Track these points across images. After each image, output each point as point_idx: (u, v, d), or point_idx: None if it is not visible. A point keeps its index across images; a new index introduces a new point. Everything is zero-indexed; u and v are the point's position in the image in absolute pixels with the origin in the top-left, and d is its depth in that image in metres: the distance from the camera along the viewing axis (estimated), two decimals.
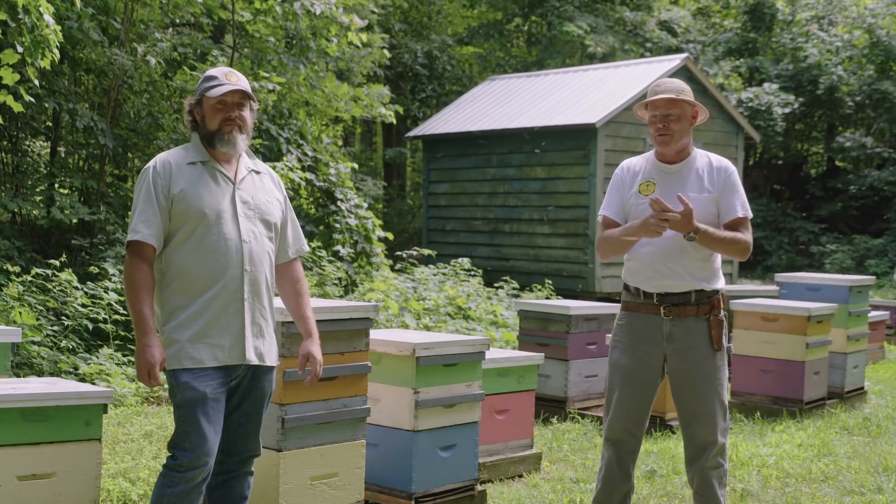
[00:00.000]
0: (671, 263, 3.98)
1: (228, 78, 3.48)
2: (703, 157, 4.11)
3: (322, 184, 11.93)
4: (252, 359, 3.47)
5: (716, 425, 3.98)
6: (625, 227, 4.01)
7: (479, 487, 4.99)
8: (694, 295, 3.99)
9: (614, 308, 5.85)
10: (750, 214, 4.07)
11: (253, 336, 3.47)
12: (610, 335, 4.33)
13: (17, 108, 7.43)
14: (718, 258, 4.09)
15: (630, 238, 3.98)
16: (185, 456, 3.35)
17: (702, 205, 3.97)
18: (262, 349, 3.52)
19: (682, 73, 14.95)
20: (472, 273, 12.59)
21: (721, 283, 4.10)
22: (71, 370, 7.34)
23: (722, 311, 4.06)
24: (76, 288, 8.09)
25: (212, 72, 3.52)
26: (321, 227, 12.00)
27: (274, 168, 10.07)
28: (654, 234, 3.87)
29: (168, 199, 3.39)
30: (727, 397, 4.07)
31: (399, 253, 12.99)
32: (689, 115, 4.03)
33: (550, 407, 7.19)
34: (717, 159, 4.12)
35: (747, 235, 4.02)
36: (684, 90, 4.02)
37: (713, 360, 4.00)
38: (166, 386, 3.45)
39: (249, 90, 3.51)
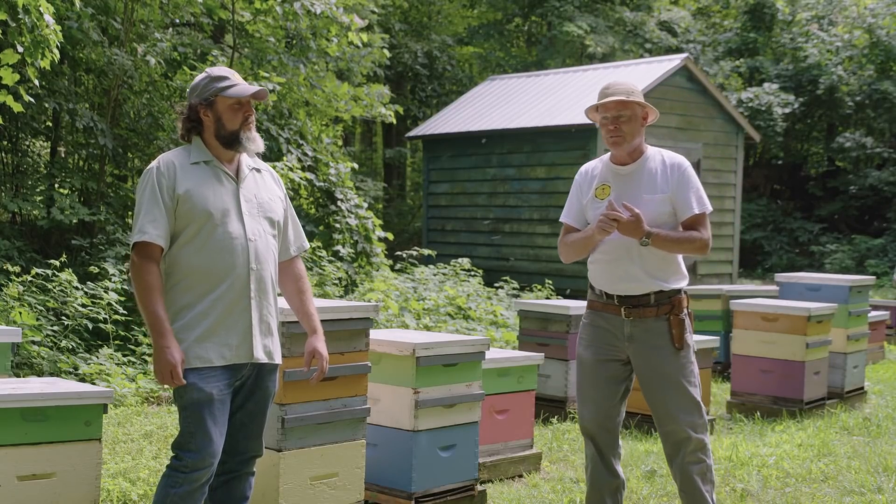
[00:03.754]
0: (628, 266, 4.02)
1: (236, 77, 3.48)
2: (656, 156, 4.11)
3: (322, 184, 11.93)
4: (261, 357, 3.46)
5: (686, 422, 4.00)
6: (582, 232, 4.10)
7: (479, 487, 4.99)
8: (653, 296, 4.03)
9: None
10: (708, 209, 4.06)
11: (261, 334, 3.47)
12: None
13: (17, 108, 7.44)
14: (679, 257, 4.12)
15: (587, 243, 4.05)
16: (190, 457, 3.34)
17: (656, 205, 4.00)
18: (271, 347, 3.52)
19: (682, 73, 14.95)
20: (472, 273, 12.59)
21: (683, 282, 4.11)
22: (71, 370, 7.34)
23: (684, 310, 4.07)
24: (76, 288, 8.09)
25: (218, 72, 3.49)
26: (321, 227, 12.00)
27: (274, 168, 10.08)
28: (604, 234, 3.94)
29: (173, 199, 3.37)
30: (699, 393, 4.06)
31: (399, 253, 12.99)
32: (639, 116, 4.05)
33: (550, 407, 7.19)
34: (671, 156, 4.12)
35: (704, 233, 4.02)
36: (634, 91, 4.04)
37: (676, 359, 4.02)
38: (166, 385, 3.43)
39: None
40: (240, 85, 3.45)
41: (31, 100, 8.12)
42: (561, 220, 4.21)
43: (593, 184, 4.14)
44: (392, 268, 12.89)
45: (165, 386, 3.40)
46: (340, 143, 15.56)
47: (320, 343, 3.63)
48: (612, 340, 4.09)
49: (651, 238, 3.91)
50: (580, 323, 4.27)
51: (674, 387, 4.01)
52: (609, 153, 4.18)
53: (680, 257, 4.13)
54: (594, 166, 4.21)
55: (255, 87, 3.46)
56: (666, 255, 4.04)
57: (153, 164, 3.46)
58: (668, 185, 4.03)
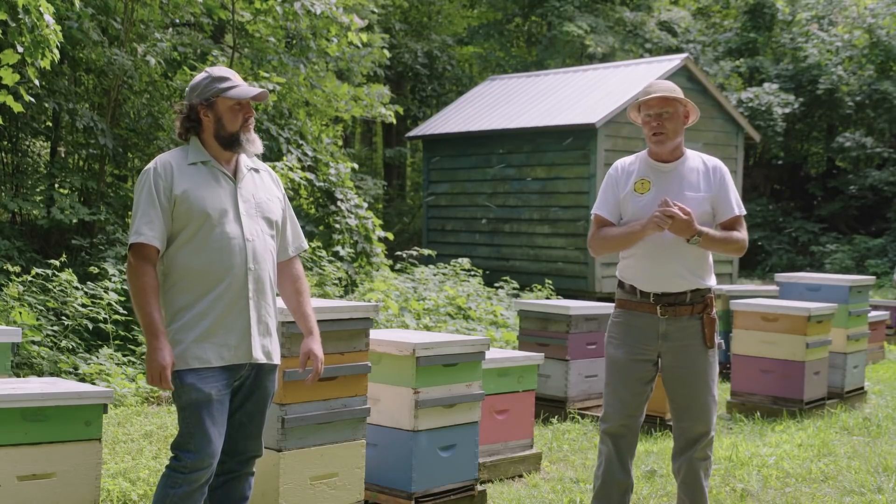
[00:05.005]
0: (669, 264, 4.05)
1: (237, 78, 3.48)
2: (695, 158, 4.19)
3: (322, 184, 11.93)
4: (259, 357, 3.46)
5: (708, 418, 4.10)
6: (628, 225, 4.07)
7: (479, 487, 4.99)
8: (689, 295, 4.08)
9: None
10: (744, 212, 4.18)
11: (259, 335, 3.47)
12: None
13: (17, 108, 7.44)
14: (710, 255, 4.17)
15: (633, 237, 4.04)
16: (190, 457, 3.34)
17: (698, 204, 4.05)
18: (270, 347, 3.52)
19: (682, 73, 14.94)
20: (472, 273, 12.59)
21: (713, 281, 4.19)
22: (71, 370, 7.34)
23: (714, 310, 4.15)
24: (76, 288, 8.09)
25: (219, 72, 3.48)
26: (321, 227, 12.00)
27: (274, 168, 10.08)
28: (658, 229, 3.94)
29: (170, 200, 3.37)
30: (717, 392, 4.18)
31: (399, 253, 12.99)
32: (681, 115, 4.10)
33: (550, 407, 7.19)
34: (710, 159, 4.22)
35: (743, 233, 4.14)
36: (676, 89, 4.10)
37: (706, 357, 4.11)
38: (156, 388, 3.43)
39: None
40: (241, 86, 3.45)
41: (31, 100, 8.12)
42: (595, 212, 4.20)
43: (631, 179, 4.14)
44: (392, 268, 12.89)
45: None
46: (340, 143, 15.56)
47: (316, 344, 3.63)
48: (646, 340, 4.11)
49: (702, 237, 3.96)
50: (609, 321, 4.27)
51: (701, 385, 4.09)
52: (645, 150, 4.21)
53: (711, 256, 4.17)
54: (630, 161, 4.23)
55: (256, 89, 3.46)
56: (703, 253, 4.10)
57: (150, 164, 3.46)
58: (710, 186, 4.11)
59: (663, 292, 4.06)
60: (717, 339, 4.16)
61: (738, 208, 4.12)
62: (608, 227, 4.14)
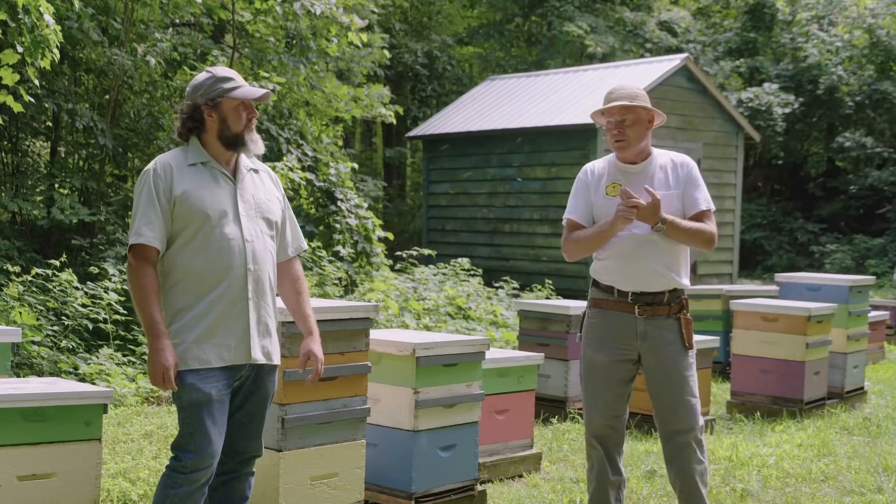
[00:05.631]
0: (645, 261, 4.05)
1: (240, 78, 3.48)
2: (663, 156, 4.19)
3: (322, 184, 11.93)
4: (259, 358, 3.46)
5: (692, 422, 4.07)
6: (598, 225, 4.09)
7: (479, 487, 4.99)
8: (667, 295, 4.08)
9: None
10: (713, 207, 4.16)
11: (259, 335, 3.47)
12: None
13: (17, 108, 7.44)
14: (688, 257, 4.16)
15: (604, 235, 4.04)
16: (190, 458, 3.34)
17: (669, 202, 4.06)
18: (269, 348, 3.52)
19: (682, 73, 14.94)
20: (472, 273, 12.59)
21: (688, 281, 4.18)
22: (71, 370, 7.34)
23: (688, 311, 4.15)
24: (76, 288, 8.09)
25: (222, 72, 3.48)
26: (321, 227, 12.00)
27: (274, 168, 10.08)
28: (626, 222, 3.94)
29: (170, 200, 3.37)
30: (698, 393, 4.15)
31: (399, 253, 12.99)
32: (644, 120, 4.10)
33: (550, 407, 7.19)
34: (678, 156, 4.22)
35: (712, 226, 4.11)
36: (638, 96, 4.09)
37: (685, 359, 4.09)
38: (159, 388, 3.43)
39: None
40: (245, 86, 3.46)
41: (31, 100, 8.12)
42: (566, 216, 4.20)
43: (601, 182, 4.16)
44: (392, 268, 12.89)
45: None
46: (340, 143, 15.57)
47: (316, 345, 3.63)
48: (626, 339, 4.09)
49: (666, 224, 3.94)
50: (584, 322, 4.25)
51: (682, 386, 4.06)
52: (614, 153, 4.21)
53: (688, 257, 4.16)
54: (600, 165, 4.23)
55: (260, 90, 3.46)
56: (678, 249, 4.09)
57: (150, 165, 3.46)
58: (678, 183, 4.11)
59: (641, 291, 4.06)
60: (693, 342, 4.15)
61: (706, 203, 4.11)
62: (580, 230, 4.15)
